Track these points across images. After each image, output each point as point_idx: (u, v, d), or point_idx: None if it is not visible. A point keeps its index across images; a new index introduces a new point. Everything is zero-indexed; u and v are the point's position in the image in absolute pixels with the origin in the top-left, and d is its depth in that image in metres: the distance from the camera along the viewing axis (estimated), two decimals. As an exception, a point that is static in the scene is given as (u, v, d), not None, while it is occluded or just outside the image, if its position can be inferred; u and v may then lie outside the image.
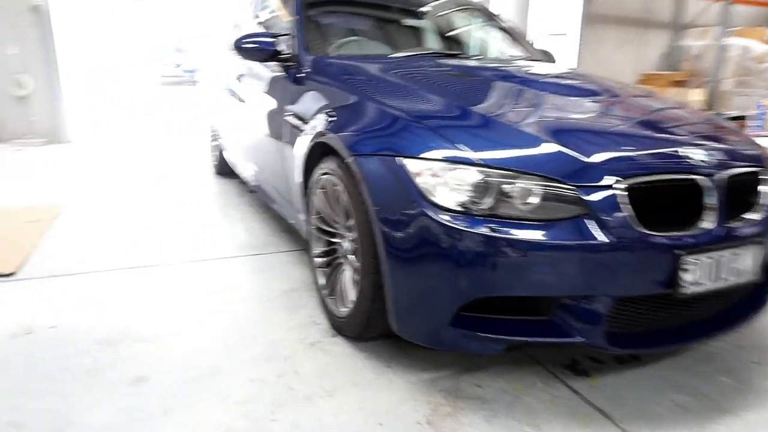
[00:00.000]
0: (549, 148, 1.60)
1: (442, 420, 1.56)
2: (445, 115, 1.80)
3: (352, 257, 1.90)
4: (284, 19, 2.84)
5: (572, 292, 1.52)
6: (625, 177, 1.53)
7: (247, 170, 3.35)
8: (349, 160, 1.74)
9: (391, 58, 2.59)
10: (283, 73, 2.57)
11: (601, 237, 1.47)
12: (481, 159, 1.54)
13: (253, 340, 1.94)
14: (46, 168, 4.63)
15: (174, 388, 1.67)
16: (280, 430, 1.50)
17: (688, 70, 8.67)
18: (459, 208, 1.52)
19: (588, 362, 1.87)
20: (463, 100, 1.90)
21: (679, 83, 8.40)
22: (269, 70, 2.77)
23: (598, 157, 1.58)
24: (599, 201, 1.49)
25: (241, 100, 3.23)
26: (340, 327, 1.97)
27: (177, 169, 4.68)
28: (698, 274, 1.55)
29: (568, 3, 7.49)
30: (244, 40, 2.54)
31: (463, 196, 1.53)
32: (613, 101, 2.15)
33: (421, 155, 1.59)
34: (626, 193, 1.51)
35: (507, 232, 1.48)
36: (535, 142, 1.63)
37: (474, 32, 3.27)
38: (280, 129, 2.49)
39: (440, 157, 1.57)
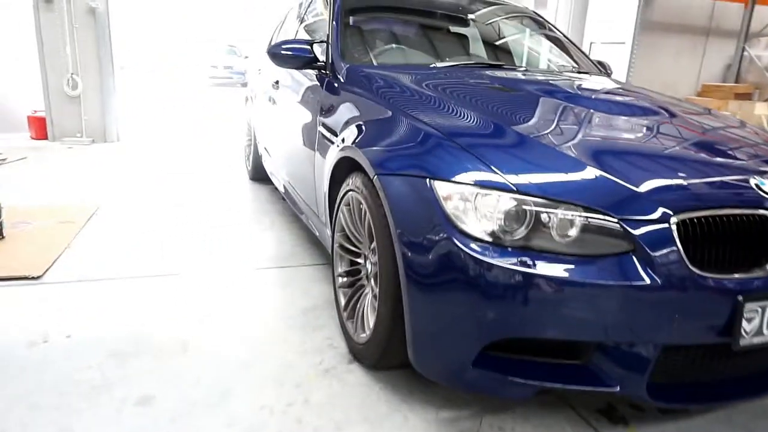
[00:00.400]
0: (593, 174, 1.44)
1: (460, 469, 1.42)
2: (480, 133, 1.66)
3: (373, 282, 1.79)
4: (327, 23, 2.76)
5: (613, 338, 1.35)
6: (678, 210, 1.35)
7: (279, 178, 3.29)
8: (374, 177, 1.62)
9: (430, 68, 2.47)
10: (318, 82, 2.49)
11: (649, 278, 1.30)
12: (517, 184, 1.39)
13: (266, 362, 1.85)
14: (89, 167, 4.73)
15: (179, 410, 1.59)
16: (283, 469, 1.40)
17: (753, 82, 8.15)
18: (489, 238, 1.38)
19: (626, 409, 1.68)
20: (501, 118, 1.75)
21: (743, 96, 7.90)
22: (305, 78, 2.70)
23: (648, 187, 1.41)
24: (648, 237, 1.32)
25: (277, 107, 3.18)
26: (358, 353, 1.85)
27: (215, 172, 4.69)
28: (762, 323, 1.36)
29: (625, 10, 7.15)
30: (278, 47, 2.48)
31: (495, 225, 1.38)
32: (668, 121, 1.95)
33: (450, 177, 1.45)
34: (679, 228, 1.34)
35: (541, 268, 1.33)
36: (577, 167, 1.47)
37: (523, 41, 3.10)
38: (311, 139, 2.41)
39: (471, 181, 1.43)
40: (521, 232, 1.38)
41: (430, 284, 1.44)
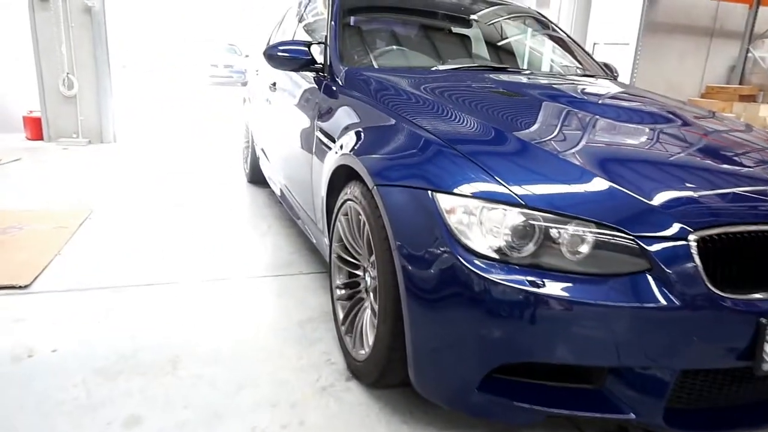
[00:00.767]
0: (605, 187, 1.36)
1: (464, 500, 1.34)
2: (485, 142, 1.58)
3: (372, 297, 1.70)
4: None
5: (628, 362, 1.26)
6: (697, 226, 1.27)
7: (276, 182, 3.21)
8: (373, 188, 1.54)
9: (431, 71, 2.38)
10: (315, 85, 2.41)
11: (667, 298, 1.22)
12: (525, 198, 1.31)
13: (259, 380, 1.77)
14: (84, 168, 4.64)
15: (168, 434, 1.51)
16: (276, 499, 1.31)
17: (757, 83, 8.06)
18: (495, 254, 1.30)
19: (637, 430, 1.60)
20: (506, 125, 1.67)
21: (747, 98, 7.80)
22: (303, 80, 2.61)
23: (664, 200, 1.32)
24: (665, 255, 1.24)
25: (274, 109, 3.09)
26: (356, 371, 1.77)
27: (212, 175, 4.61)
28: (785, 346, 1.28)
29: (629, 10, 7.05)
30: (274, 49, 2.39)
31: (501, 241, 1.30)
32: (680, 128, 1.87)
33: (453, 189, 1.37)
34: (699, 245, 1.25)
35: (552, 287, 1.24)
36: (588, 179, 1.38)
37: (526, 43, 3.01)
38: (309, 144, 2.32)
39: (476, 193, 1.34)
40: (529, 248, 1.30)
41: (433, 304, 1.36)
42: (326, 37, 2.46)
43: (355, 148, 1.76)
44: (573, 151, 1.52)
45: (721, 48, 8.11)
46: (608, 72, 2.93)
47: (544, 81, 2.39)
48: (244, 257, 2.81)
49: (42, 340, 1.95)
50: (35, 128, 5.77)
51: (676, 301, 1.22)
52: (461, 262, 1.30)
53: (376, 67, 2.43)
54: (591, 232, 1.27)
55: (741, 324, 1.26)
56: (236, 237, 3.11)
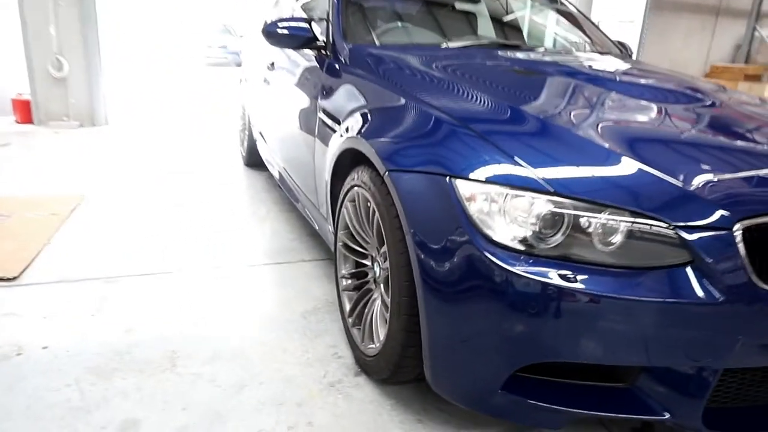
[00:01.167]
0: (639, 171, 1.24)
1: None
2: (506, 123, 1.46)
3: (383, 289, 1.60)
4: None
5: (665, 362, 1.17)
6: (742, 215, 1.16)
7: (274, 165, 3.08)
8: (384, 174, 1.42)
9: (441, 49, 2.25)
10: (317, 63, 2.27)
11: (710, 293, 1.12)
12: (552, 183, 1.20)
13: (262, 376, 1.67)
14: (77, 152, 4.50)
15: (167, 437, 1.41)
16: None
17: (763, 63, 7.91)
18: (520, 246, 1.19)
19: (664, 427, 1.51)
20: (527, 105, 1.55)
21: (753, 77, 7.66)
22: (303, 59, 2.47)
23: (705, 186, 1.21)
24: (708, 246, 1.13)
25: (272, 89, 2.95)
26: (365, 366, 1.67)
27: (209, 158, 4.47)
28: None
29: (634, -13, 6.87)
30: (274, 26, 2.25)
31: (527, 231, 1.19)
32: (713, 108, 1.75)
33: (474, 175, 1.26)
34: (744, 235, 1.15)
35: (585, 282, 1.14)
36: (620, 162, 1.27)
37: (539, 19, 2.88)
38: (311, 126, 2.20)
39: (499, 179, 1.23)
40: (557, 239, 1.19)
41: (452, 299, 1.26)
42: (328, 13, 2.32)
43: (363, 130, 1.64)
44: (601, 132, 1.41)
45: (727, 26, 7.94)
46: (622, 50, 2.80)
47: (559, 59, 2.26)
48: (243, 244, 2.70)
49: (31, 336, 1.84)
50: (24, 111, 5.59)
51: (719, 296, 1.12)
52: (483, 254, 1.20)
53: (381, 44, 2.29)
54: (626, 222, 1.16)
55: (787, 319, 1.16)
56: (234, 223, 2.99)
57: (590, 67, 2.16)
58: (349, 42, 2.19)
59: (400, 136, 1.49)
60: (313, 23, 2.27)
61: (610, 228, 1.17)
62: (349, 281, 1.87)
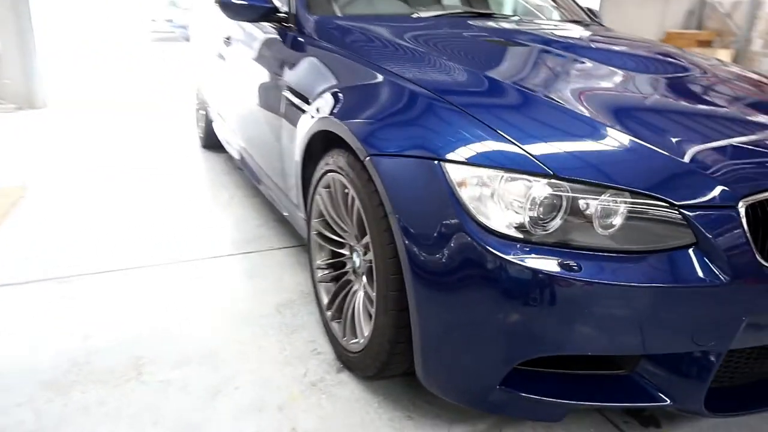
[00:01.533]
0: (637, 147, 1.17)
1: None
2: (498, 101, 1.36)
3: (366, 281, 1.50)
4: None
5: (673, 348, 1.12)
6: (744, 192, 1.11)
7: (235, 146, 2.90)
8: (366, 159, 1.31)
9: (412, 19, 2.11)
10: (279, 37, 2.10)
11: (714, 275, 1.07)
12: (549, 164, 1.11)
13: (238, 380, 1.56)
14: (14, 138, 4.16)
15: (137, 455, 1.29)
16: None
17: (714, 28, 8.07)
18: (517, 233, 1.11)
19: (662, 411, 1.49)
20: (519, 81, 1.45)
21: (704, 43, 7.83)
22: (263, 32, 2.30)
23: (705, 162, 1.15)
24: (712, 225, 1.08)
25: (230, 67, 2.76)
26: (349, 362, 1.58)
27: (162, 140, 4.21)
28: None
29: (590, -46, 6.82)
30: (229, -5, 2.06)
31: (524, 217, 1.11)
32: (709, 80, 1.70)
33: (465, 157, 1.16)
34: (747, 213, 1.10)
35: (587, 270, 1.07)
36: (617, 139, 1.20)
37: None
38: (275, 105, 2.04)
39: (492, 162, 1.14)
40: (555, 224, 1.11)
41: (446, 293, 1.17)
42: (288, -20, 2.14)
43: (336, 110, 1.51)
44: (595, 107, 1.32)
45: (680, -7, 8.05)
46: (593, 17, 2.73)
47: (535, 28, 2.17)
48: (207, 234, 2.54)
49: (-25, 348, 1.67)
50: (-46, 94, 5.14)
51: (725, 277, 1.07)
52: (478, 243, 1.11)
53: (347, 15, 2.14)
54: (627, 203, 1.09)
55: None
56: (196, 210, 2.82)
57: (570, 36, 2.08)
58: (313, 13, 2.03)
59: (379, 117, 1.37)
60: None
61: (611, 210, 1.10)
62: (326, 272, 1.76)
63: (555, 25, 2.34)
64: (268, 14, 2.08)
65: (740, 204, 1.09)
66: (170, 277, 2.13)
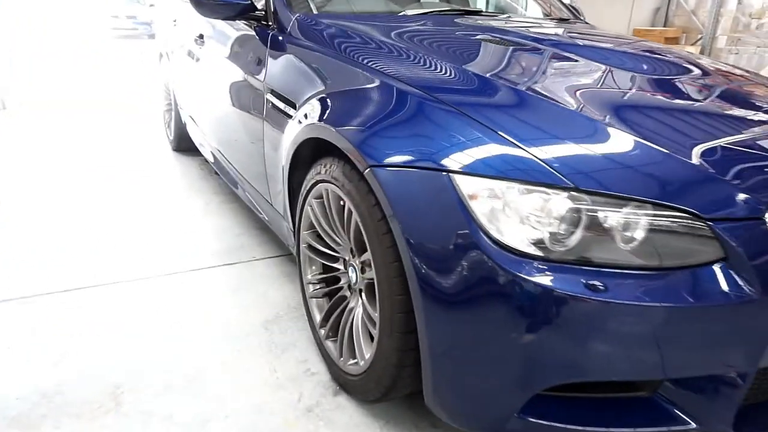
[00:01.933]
0: (659, 156, 1.11)
1: None
2: (507, 106, 1.28)
3: (365, 299, 1.40)
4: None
5: (704, 371, 1.06)
6: (769, 200, 1.06)
7: (211, 151, 2.76)
8: (366, 171, 1.21)
9: (400, 18, 2.02)
10: (258, 37, 1.98)
11: (745, 291, 1.01)
12: (567, 175, 1.04)
13: (228, 407, 1.44)
14: (-30, 143, 3.91)
15: (120, 500, 1.17)
16: None
17: (680, 26, 8.22)
18: (534, 250, 1.03)
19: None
20: (526, 84, 1.37)
21: (671, 40, 7.96)
22: (240, 31, 2.17)
23: (729, 170, 1.10)
24: (742, 239, 1.02)
25: (203, 68, 2.61)
26: (348, 385, 1.48)
27: (130, 143, 4.02)
28: None
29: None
30: (202, -8, 1.93)
31: (543, 232, 1.03)
32: (716, 82, 1.65)
33: (476, 169, 1.07)
34: (775, 225, 1.04)
35: (613, 290, 0.99)
36: (637, 147, 1.13)
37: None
38: (256, 109, 1.92)
39: (506, 173, 1.06)
40: (575, 239, 1.03)
41: (459, 316, 1.08)
42: (267, -24, 2.02)
43: (328, 115, 1.41)
44: (608, 111, 1.26)
45: (647, -10, 8.17)
46: (577, 15, 2.69)
47: (527, 26, 2.10)
48: (185, 245, 2.39)
49: (-70, 383, 1.51)
50: None
51: (755, 293, 1.01)
52: (494, 261, 1.02)
53: (331, 13, 2.03)
54: (652, 216, 1.02)
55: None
56: (171, 219, 2.67)
57: (563, 35, 2.02)
58: (294, 11, 1.92)
59: (378, 124, 1.27)
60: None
61: (634, 224, 1.03)
62: (318, 286, 1.65)
63: (545, 24, 2.28)
64: (245, 12, 1.95)
65: (767, 214, 1.04)
66: (148, 294, 1.99)
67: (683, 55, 1.91)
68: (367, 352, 1.37)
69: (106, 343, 1.69)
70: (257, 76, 1.91)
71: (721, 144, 1.19)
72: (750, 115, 1.38)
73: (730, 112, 1.39)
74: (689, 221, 1.02)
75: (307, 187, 1.55)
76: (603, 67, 1.60)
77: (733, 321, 1.02)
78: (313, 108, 1.49)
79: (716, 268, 1.02)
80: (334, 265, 1.58)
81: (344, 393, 1.51)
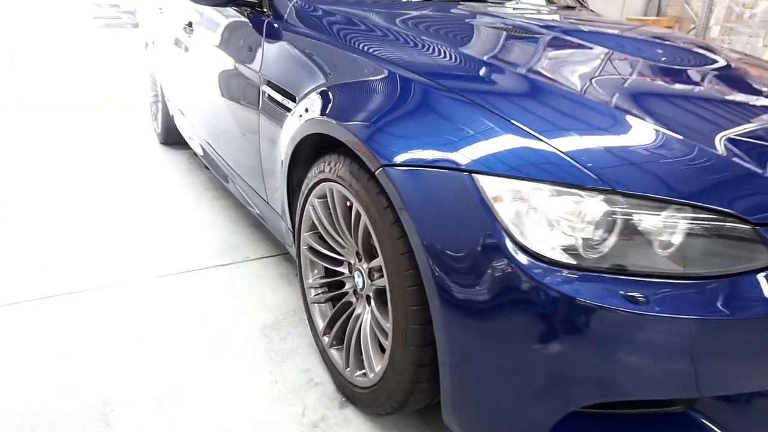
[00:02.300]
0: (702, 155, 1.02)
1: None
2: (531, 99, 1.18)
3: (374, 307, 1.31)
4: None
5: (748, 387, 0.98)
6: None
7: (200, 144, 2.64)
8: (377, 171, 1.11)
9: (403, 4, 1.91)
10: (252, 24, 1.86)
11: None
12: (603, 176, 0.95)
13: (228, 424, 1.35)
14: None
15: None
16: None
17: (673, 15, 8.16)
18: (567, 258, 0.94)
19: None
20: (542, 74, 1.27)
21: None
22: (232, 19, 2.04)
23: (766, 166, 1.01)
24: (787, 243, 0.94)
25: (192, 58, 2.48)
26: (354, 397, 1.39)
27: (116, 137, 3.86)
28: None
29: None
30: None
31: (575, 238, 0.94)
32: (729, 69, 1.57)
33: (501, 169, 0.98)
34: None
35: (654, 302, 0.91)
36: (676, 145, 1.04)
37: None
38: (251, 102, 1.81)
39: (535, 173, 0.96)
40: (608, 245, 0.95)
41: (484, 329, 0.99)
42: (260, -41, 1.89)
43: (332, 110, 1.31)
44: (641, 105, 1.17)
45: (641, -22, 8.09)
46: (582, 2, 2.60)
47: (535, 13, 2.01)
48: (176, 244, 2.28)
49: None
50: None
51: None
52: (522, 270, 0.93)
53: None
54: (693, 219, 0.94)
55: None
56: (161, 217, 2.54)
57: (577, 24, 1.92)
58: (290, -4, 1.80)
59: (390, 119, 1.17)
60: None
61: (673, 228, 0.94)
62: (320, 291, 1.56)
63: (552, 11, 2.19)
64: (237, -2, 1.84)
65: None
66: (138, 298, 1.87)
67: (701, 43, 1.83)
68: (377, 364, 1.27)
69: (93, 354, 1.58)
70: (251, 67, 1.79)
71: (757, 140, 1.11)
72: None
73: (766, 103, 1.31)
74: (733, 225, 0.94)
75: (309, 186, 1.45)
76: (621, 55, 1.51)
77: (782, 334, 0.94)
78: (315, 101, 1.39)
79: (761, 277, 0.94)
80: (338, 269, 1.48)
81: (351, 405, 1.42)
